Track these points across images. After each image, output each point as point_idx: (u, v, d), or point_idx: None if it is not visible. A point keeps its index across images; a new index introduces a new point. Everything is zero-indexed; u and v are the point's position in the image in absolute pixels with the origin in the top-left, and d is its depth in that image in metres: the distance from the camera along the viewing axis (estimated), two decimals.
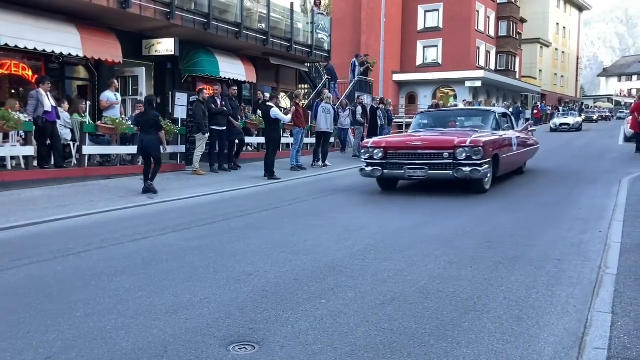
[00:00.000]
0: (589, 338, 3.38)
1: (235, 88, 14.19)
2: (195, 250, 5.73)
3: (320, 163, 15.06)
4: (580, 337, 3.45)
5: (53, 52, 11.86)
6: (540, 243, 5.99)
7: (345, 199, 9.64)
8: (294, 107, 13.71)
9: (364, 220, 7.37)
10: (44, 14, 11.74)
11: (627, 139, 21.74)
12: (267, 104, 12.82)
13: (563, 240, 6.11)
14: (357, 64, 23.62)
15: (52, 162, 11.15)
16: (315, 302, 4.12)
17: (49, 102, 10.51)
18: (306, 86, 23.90)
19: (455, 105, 25.36)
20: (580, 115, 41.72)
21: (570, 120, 34.65)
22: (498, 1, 48.45)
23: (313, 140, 16.50)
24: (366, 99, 18.57)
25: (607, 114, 54.82)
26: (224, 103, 13.25)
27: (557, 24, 62.56)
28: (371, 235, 6.41)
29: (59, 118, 11.08)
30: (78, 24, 12.36)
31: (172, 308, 3.99)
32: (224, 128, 13.06)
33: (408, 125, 29.38)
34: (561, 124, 34.06)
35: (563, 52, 65.80)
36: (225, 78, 16.62)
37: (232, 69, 16.84)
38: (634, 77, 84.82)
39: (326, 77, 22.70)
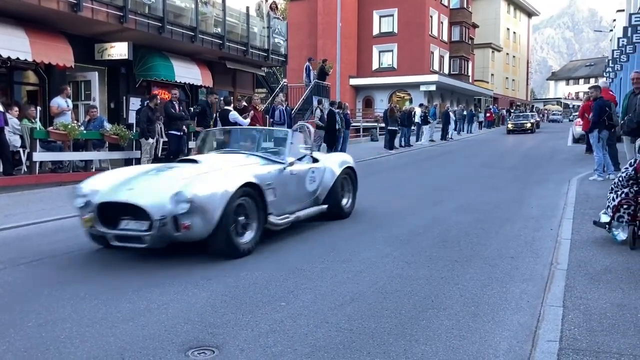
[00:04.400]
0: (542, 331, 3.48)
1: (216, 95, 13.87)
2: (147, 254, 5.62)
3: None
4: (533, 331, 3.56)
5: (0, 55, 11.48)
6: (494, 241, 6.14)
7: None
8: (252, 111, 13.65)
9: (324, 222, 7.39)
10: None
11: (576, 140, 22.52)
12: (226, 107, 12.74)
13: (516, 238, 6.28)
14: (310, 67, 23.69)
15: (1, 170, 10.78)
16: (274, 304, 4.12)
17: None
18: (264, 90, 23.84)
19: (412, 109, 25.44)
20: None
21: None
22: (451, 7, 49.49)
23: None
24: (325, 104, 18.60)
25: (537, 118, 38.97)
26: (181, 108, 13.14)
27: (508, 29, 64.35)
28: (330, 237, 6.44)
29: (6, 124, 10.74)
30: (27, 27, 12.00)
31: (128, 315, 3.92)
32: (181, 133, 12.95)
33: (365, 129, 29.77)
34: None
35: (514, 56, 67.72)
36: (181, 82, 16.43)
37: (187, 73, 16.65)
38: (581, 81, 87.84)
39: (283, 81, 22.71)
